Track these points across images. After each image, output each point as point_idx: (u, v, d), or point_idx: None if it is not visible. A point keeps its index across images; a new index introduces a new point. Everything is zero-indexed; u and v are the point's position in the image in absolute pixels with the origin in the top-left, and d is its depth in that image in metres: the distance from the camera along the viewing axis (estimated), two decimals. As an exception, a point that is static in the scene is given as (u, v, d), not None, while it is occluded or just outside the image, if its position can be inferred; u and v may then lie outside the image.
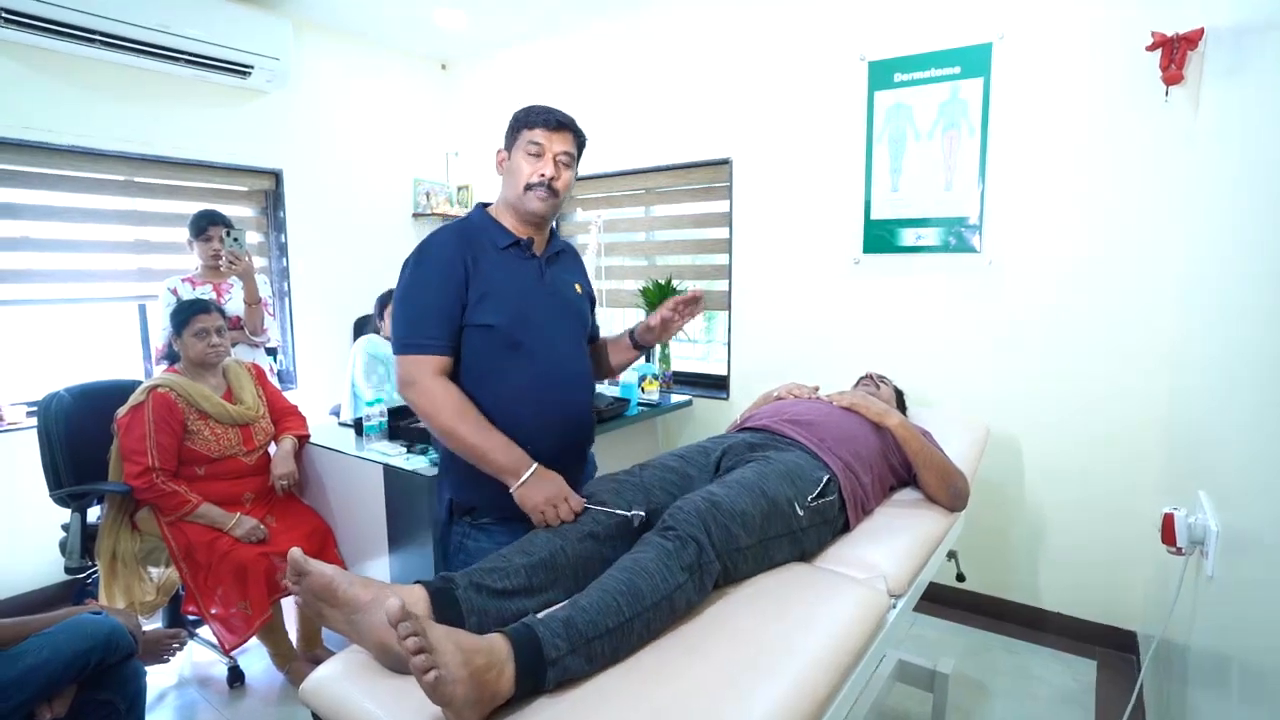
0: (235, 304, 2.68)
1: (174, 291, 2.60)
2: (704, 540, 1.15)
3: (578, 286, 1.60)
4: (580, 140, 1.50)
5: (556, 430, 1.48)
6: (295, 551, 1.05)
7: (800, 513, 1.36)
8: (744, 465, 1.43)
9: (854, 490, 1.54)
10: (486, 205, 1.56)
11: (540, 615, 0.99)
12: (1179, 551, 1.35)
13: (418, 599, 1.05)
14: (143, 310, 3.06)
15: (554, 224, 1.61)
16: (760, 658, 1.07)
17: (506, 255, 1.47)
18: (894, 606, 1.37)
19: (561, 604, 1.03)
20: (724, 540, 1.19)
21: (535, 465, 1.35)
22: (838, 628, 1.19)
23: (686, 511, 1.18)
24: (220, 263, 2.62)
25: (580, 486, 1.43)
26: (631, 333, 1.68)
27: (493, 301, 1.41)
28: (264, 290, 2.77)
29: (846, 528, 1.54)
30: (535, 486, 1.31)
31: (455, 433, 1.35)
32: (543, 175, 1.43)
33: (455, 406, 1.36)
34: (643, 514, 1.18)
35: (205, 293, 2.61)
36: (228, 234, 2.59)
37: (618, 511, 1.25)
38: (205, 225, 2.63)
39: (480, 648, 0.87)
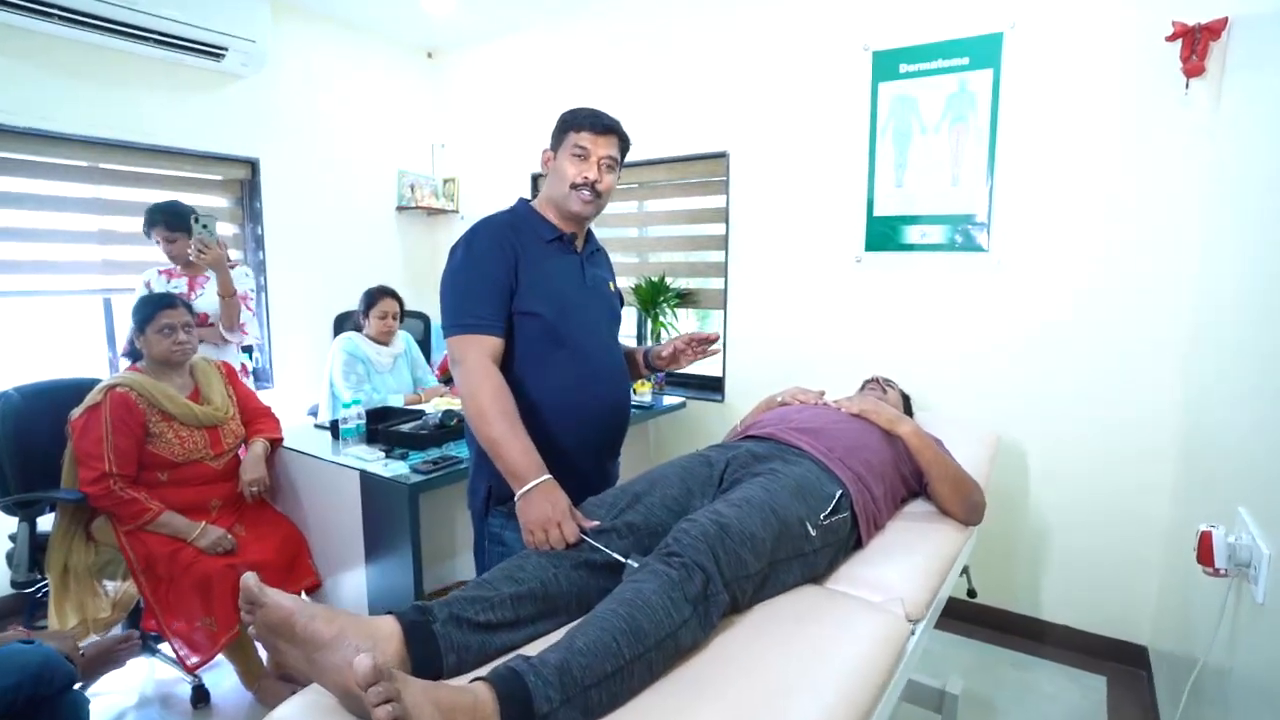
0: (209, 299, 2.52)
1: (148, 285, 2.45)
2: (711, 569, 1.03)
3: (611, 285, 1.63)
4: (625, 144, 1.50)
5: (596, 423, 1.51)
6: (249, 578, 0.92)
7: (813, 533, 1.25)
8: (750, 479, 1.32)
9: (866, 505, 1.43)
10: (528, 200, 1.56)
11: (531, 657, 0.87)
12: (1217, 573, 1.26)
13: (390, 634, 0.93)
14: (107, 304, 2.90)
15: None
16: (776, 697, 0.96)
17: (550, 249, 1.48)
18: (914, 633, 1.26)
19: (554, 644, 0.90)
20: (733, 568, 1.07)
21: (546, 476, 1.25)
22: (858, 660, 1.08)
23: (693, 535, 1.06)
24: (189, 253, 2.43)
25: (612, 481, 1.56)
26: (646, 353, 1.70)
27: (539, 292, 1.42)
28: (244, 283, 2.60)
29: (858, 544, 1.44)
30: (536, 501, 1.21)
31: (485, 418, 1.30)
32: (586, 178, 1.43)
33: (493, 393, 1.32)
34: (635, 565, 1.06)
35: (179, 286, 2.47)
36: (196, 221, 2.40)
37: (613, 554, 1.13)
38: (157, 221, 2.46)
39: (462, 705, 0.75)
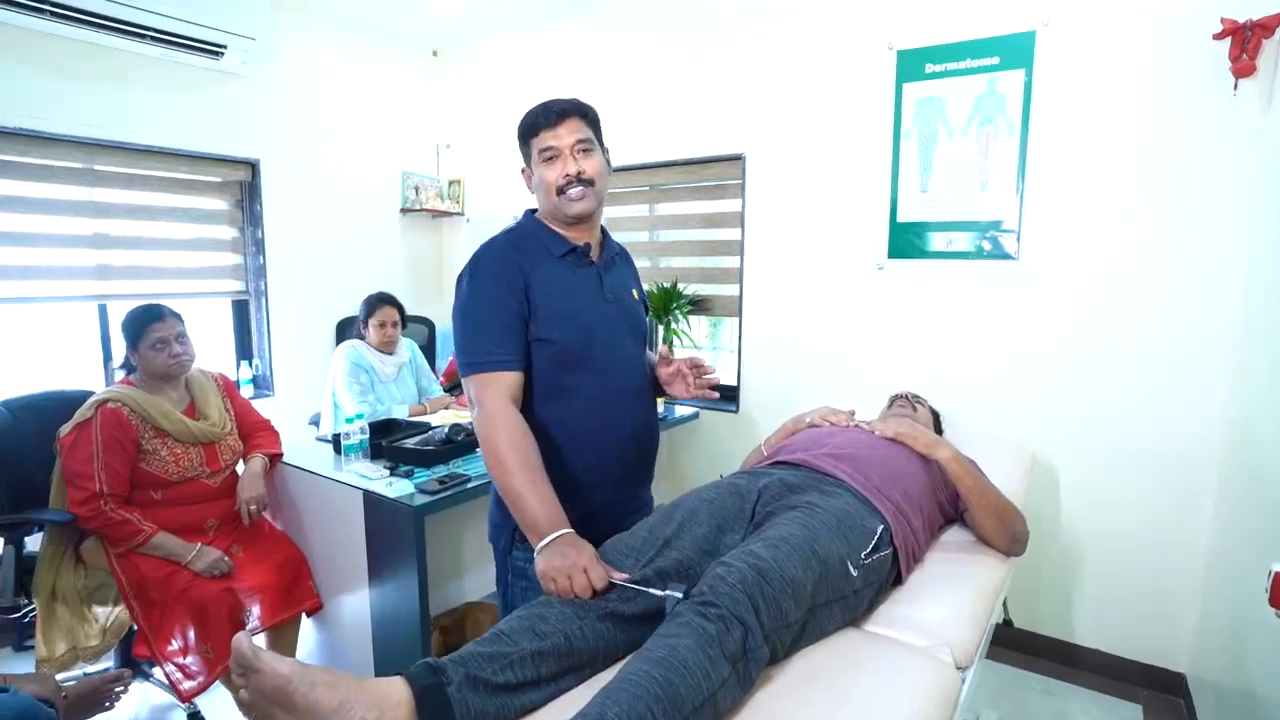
0: None
1: None
2: (751, 621, 0.94)
3: (634, 293, 1.50)
4: (592, 119, 1.37)
5: (625, 446, 1.40)
6: (241, 640, 0.82)
7: (854, 573, 1.15)
8: (785, 513, 1.22)
9: (906, 539, 1.33)
10: (534, 211, 1.44)
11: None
12: (1293, 618, 1.17)
13: (399, 700, 0.83)
14: (103, 311, 2.81)
15: (604, 227, 1.50)
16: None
17: (564, 264, 1.36)
18: (963, 681, 1.17)
19: (583, 712, 0.81)
20: (773, 618, 0.98)
21: (566, 530, 1.13)
22: (909, 717, 0.98)
23: (730, 583, 0.97)
24: None
25: (648, 509, 1.45)
26: (653, 365, 1.55)
27: (554, 315, 1.31)
28: None
29: (897, 580, 1.34)
30: (557, 553, 1.09)
31: (503, 467, 1.19)
32: (567, 175, 1.31)
33: (511, 440, 1.20)
34: (679, 595, 0.96)
35: None
36: None
37: (651, 591, 1.03)
38: None
39: None
